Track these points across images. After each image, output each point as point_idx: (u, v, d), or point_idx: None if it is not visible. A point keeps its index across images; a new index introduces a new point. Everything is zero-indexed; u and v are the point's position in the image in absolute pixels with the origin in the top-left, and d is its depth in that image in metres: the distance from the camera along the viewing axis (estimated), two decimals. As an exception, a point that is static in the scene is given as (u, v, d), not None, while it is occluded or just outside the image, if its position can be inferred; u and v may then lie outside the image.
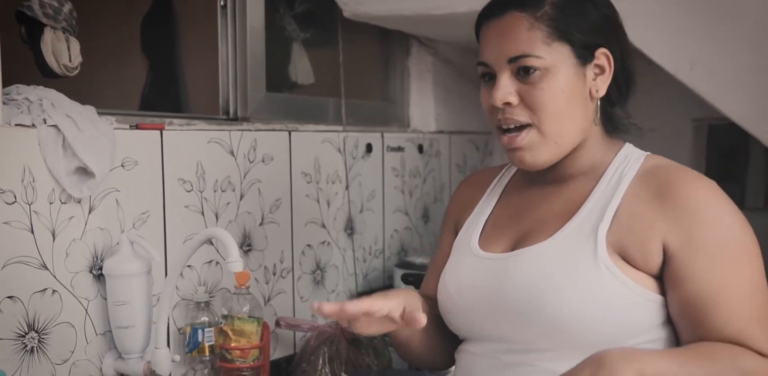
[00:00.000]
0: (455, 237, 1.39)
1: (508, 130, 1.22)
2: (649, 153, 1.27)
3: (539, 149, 1.22)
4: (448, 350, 1.36)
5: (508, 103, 1.21)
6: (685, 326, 1.16)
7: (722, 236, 1.15)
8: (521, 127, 1.21)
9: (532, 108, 1.20)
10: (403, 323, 1.17)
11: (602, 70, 1.23)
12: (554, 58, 1.19)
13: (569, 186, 1.27)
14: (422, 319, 1.12)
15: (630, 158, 1.25)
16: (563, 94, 1.20)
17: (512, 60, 1.20)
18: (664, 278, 1.16)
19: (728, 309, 1.13)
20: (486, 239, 1.31)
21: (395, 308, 1.17)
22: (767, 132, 1.75)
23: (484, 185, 1.41)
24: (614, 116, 1.28)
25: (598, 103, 1.25)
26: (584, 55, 1.21)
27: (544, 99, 1.19)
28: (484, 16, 1.25)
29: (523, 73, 1.19)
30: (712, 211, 1.16)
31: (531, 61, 1.19)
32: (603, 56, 1.23)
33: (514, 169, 1.40)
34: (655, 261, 1.16)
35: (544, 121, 1.20)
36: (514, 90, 1.20)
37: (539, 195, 1.30)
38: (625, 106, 1.28)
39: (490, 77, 1.24)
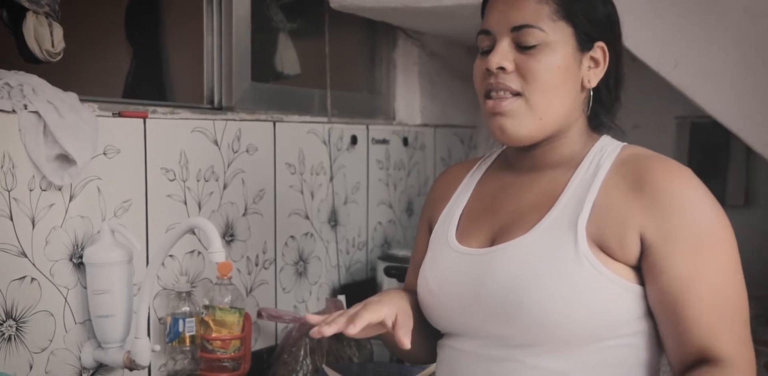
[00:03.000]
0: (429, 233, 1.39)
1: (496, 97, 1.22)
2: (625, 143, 1.27)
3: (522, 120, 1.21)
4: (434, 345, 1.36)
5: (502, 68, 1.20)
6: (662, 316, 1.16)
7: (698, 226, 1.15)
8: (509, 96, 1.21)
9: (526, 77, 1.20)
10: (392, 330, 1.18)
11: (597, 63, 1.24)
12: (556, 36, 1.20)
13: (545, 176, 1.27)
14: (406, 343, 1.15)
15: (606, 149, 1.25)
16: (559, 70, 1.20)
17: (515, 29, 1.20)
18: (642, 268, 1.17)
19: (703, 300, 1.13)
20: (463, 232, 1.30)
21: (389, 315, 1.19)
22: (748, 130, 1.77)
23: (458, 178, 1.40)
24: (599, 114, 1.28)
25: (591, 94, 1.26)
26: (584, 42, 1.22)
27: (540, 70, 1.19)
28: None
29: (523, 44, 1.20)
30: (687, 201, 1.16)
31: (534, 33, 1.19)
32: (600, 49, 1.24)
33: (490, 161, 1.40)
34: (633, 252, 1.16)
35: (535, 93, 1.20)
36: (511, 57, 1.21)
37: (514, 185, 1.30)
38: (612, 108, 1.29)
39: (488, 47, 1.24)
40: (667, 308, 1.15)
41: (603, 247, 1.16)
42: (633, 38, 1.75)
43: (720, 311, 1.14)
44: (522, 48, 1.20)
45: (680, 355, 1.15)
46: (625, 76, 1.30)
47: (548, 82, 1.20)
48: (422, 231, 1.43)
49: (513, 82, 1.21)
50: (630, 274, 1.17)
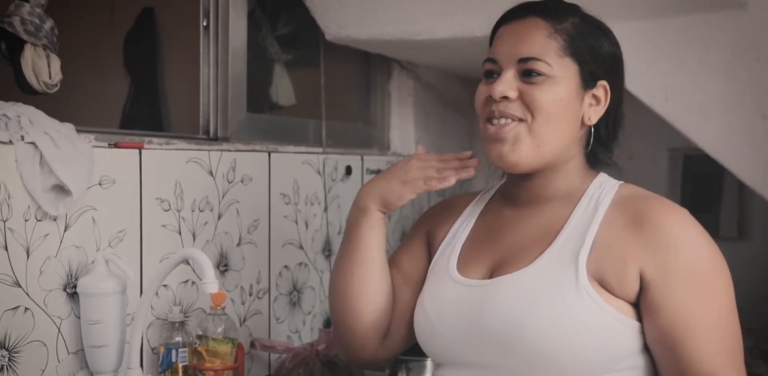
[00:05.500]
0: (425, 244, 1.41)
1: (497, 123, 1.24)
2: (622, 182, 1.29)
3: (521, 146, 1.23)
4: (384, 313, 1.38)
5: (506, 97, 1.22)
6: (661, 353, 1.17)
7: (696, 265, 1.16)
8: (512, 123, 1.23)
9: (529, 105, 1.22)
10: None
11: (598, 101, 1.26)
12: (561, 71, 1.22)
13: (545, 210, 1.28)
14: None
15: (605, 186, 1.27)
16: (561, 102, 1.22)
17: (522, 60, 1.22)
18: (640, 305, 1.17)
19: (702, 340, 1.14)
20: (464, 263, 1.31)
21: None
22: (738, 163, 1.78)
23: (459, 208, 1.42)
24: (598, 151, 1.30)
25: (591, 130, 1.27)
26: (587, 80, 1.24)
27: (543, 99, 1.21)
28: (505, 19, 1.29)
29: (528, 75, 1.22)
30: (686, 240, 1.17)
31: (540, 66, 1.21)
32: (602, 88, 1.26)
33: (490, 195, 1.41)
34: (632, 289, 1.17)
35: (537, 120, 1.22)
36: (515, 86, 1.23)
37: (515, 217, 1.31)
38: (610, 146, 1.31)
39: (492, 75, 1.26)
40: (667, 343, 1.15)
41: (602, 282, 1.17)
42: (625, 72, 1.78)
43: (721, 345, 1.15)
44: (526, 78, 1.22)
45: None
46: (624, 117, 1.31)
47: (551, 112, 1.22)
48: (416, 239, 1.43)
49: (516, 110, 1.22)
50: (629, 310, 1.18)
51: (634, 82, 1.80)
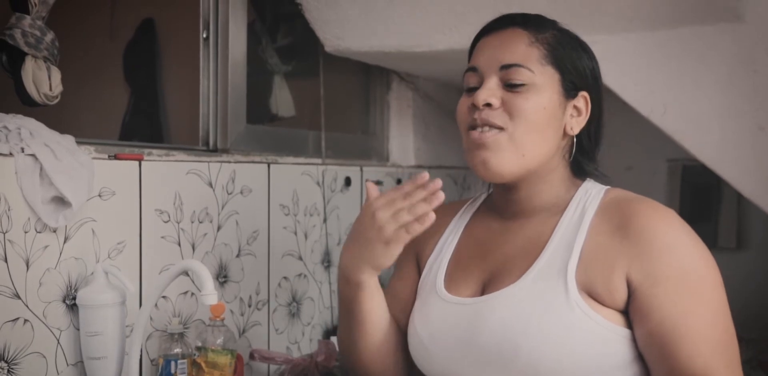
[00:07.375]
0: (415, 264, 1.40)
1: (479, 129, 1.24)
2: (609, 187, 1.29)
3: (504, 154, 1.22)
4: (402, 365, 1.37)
5: (488, 105, 1.23)
6: (653, 358, 1.17)
7: (683, 267, 1.16)
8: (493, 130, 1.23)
9: (512, 114, 1.22)
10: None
11: (579, 112, 1.27)
12: (544, 79, 1.23)
13: (532, 221, 1.28)
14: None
15: (590, 193, 1.27)
16: (544, 110, 1.23)
17: (505, 67, 1.23)
18: (629, 311, 1.18)
19: (693, 341, 1.14)
20: (452, 280, 1.31)
21: None
22: (736, 174, 1.79)
23: (445, 221, 1.40)
24: (582, 163, 1.30)
25: (574, 140, 1.28)
26: (569, 89, 1.25)
27: (526, 108, 1.22)
28: (486, 30, 1.30)
29: (511, 83, 1.23)
30: (670, 242, 1.17)
31: (523, 73, 1.22)
32: (583, 99, 1.27)
33: (475, 206, 1.41)
34: (620, 296, 1.17)
35: (519, 128, 1.22)
36: (498, 94, 1.23)
37: (502, 231, 1.31)
38: (593, 158, 1.31)
39: (475, 85, 1.26)
40: (658, 347, 1.15)
41: (592, 293, 1.17)
42: (622, 83, 1.79)
43: (713, 346, 1.14)
44: (509, 86, 1.23)
45: None
46: (603, 135, 1.32)
47: (533, 121, 1.22)
48: (407, 262, 1.42)
49: (497, 119, 1.22)
50: (619, 318, 1.18)
51: (632, 94, 1.81)
